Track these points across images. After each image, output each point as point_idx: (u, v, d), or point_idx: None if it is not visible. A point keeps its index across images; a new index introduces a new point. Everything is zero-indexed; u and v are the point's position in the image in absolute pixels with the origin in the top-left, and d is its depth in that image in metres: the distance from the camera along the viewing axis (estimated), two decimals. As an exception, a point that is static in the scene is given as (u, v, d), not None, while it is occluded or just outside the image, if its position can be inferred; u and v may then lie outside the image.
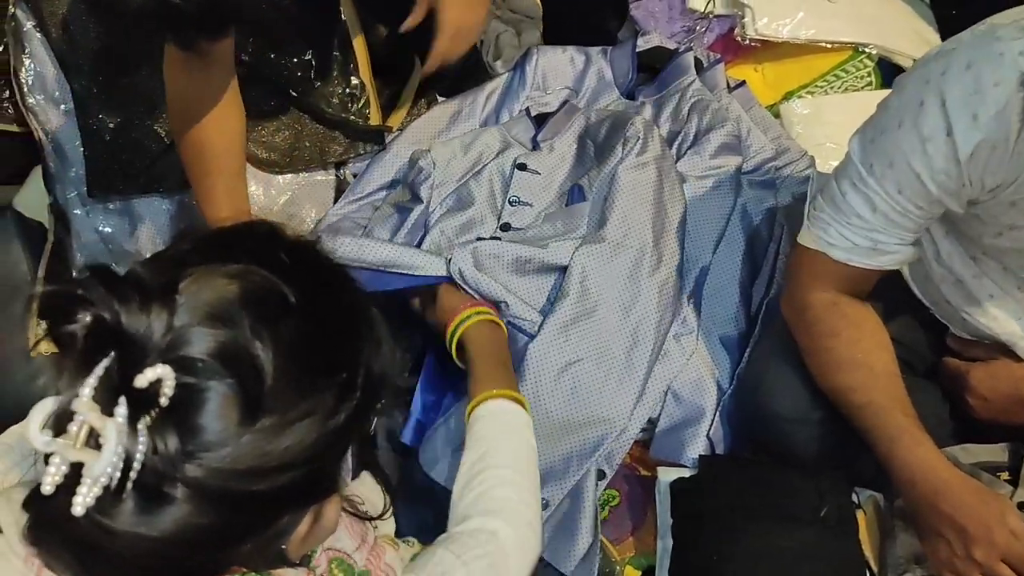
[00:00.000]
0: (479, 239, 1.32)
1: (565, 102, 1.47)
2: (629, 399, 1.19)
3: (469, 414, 0.98)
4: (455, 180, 1.39)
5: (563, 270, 1.25)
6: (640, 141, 1.32)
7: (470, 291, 1.20)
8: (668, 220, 1.30)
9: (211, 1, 0.91)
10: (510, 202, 1.35)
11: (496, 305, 1.20)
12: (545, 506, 1.12)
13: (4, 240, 1.33)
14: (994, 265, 1.06)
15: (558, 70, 1.54)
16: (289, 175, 1.42)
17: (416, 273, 1.20)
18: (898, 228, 0.98)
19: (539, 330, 1.20)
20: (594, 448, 1.16)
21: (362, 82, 1.43)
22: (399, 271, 1.20)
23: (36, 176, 1.47)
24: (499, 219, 1.36)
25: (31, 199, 1.47)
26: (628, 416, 1.18)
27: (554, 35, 1.59)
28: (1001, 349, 1.10)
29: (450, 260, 1.21)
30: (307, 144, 1.43)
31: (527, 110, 1.48)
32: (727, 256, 1.34)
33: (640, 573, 1.15)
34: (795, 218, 1.40)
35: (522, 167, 1.38)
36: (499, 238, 1.32)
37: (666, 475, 1.14)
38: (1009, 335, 1.09)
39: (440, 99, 1.52)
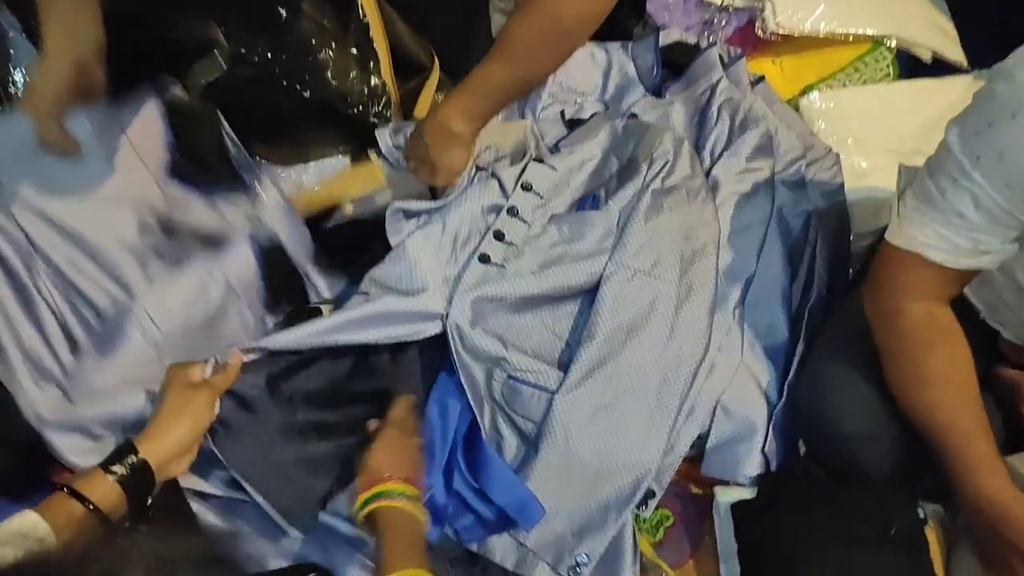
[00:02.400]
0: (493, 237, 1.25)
1: (595, 114, 1.41)
2: (660, 439, 1.15)
3: None
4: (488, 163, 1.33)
5: (571, 299, 1.21)
6: (668, 163, 1.26)
7: (462, 353, 1.17)
8: (699, 245, 1.25)
9: None
10: (521, 186, 1.28)
11: (498, 362, 1.17)
12: (587, 563, 1.10)
13: None
14: None
15: (579, 67, 1.49)
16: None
17: (410, 338, 1.17)
18: (1001, 226, 0.93)
19: (563, 378, 1.15)
20: (631, 494, 1.12)
21: (383, 82, 1.35)
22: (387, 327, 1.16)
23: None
24: (508, 201, 1.27)
25: None
26: (660, 457, 1.14)
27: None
28: (1056, 358, 1.10)
29: (447, 315, 1.16)
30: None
31: (561, 112, 1.42)
32: (768, 264, 1.30)
33: (704, 599, 1.13)
34: (829, 219, 1.40)
35: (539, 160, 1.31)
36: (503, 235, 1.25)
37: (724, 495, 1.11)
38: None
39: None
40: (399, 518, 0.95)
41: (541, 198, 1.28)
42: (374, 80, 1.35)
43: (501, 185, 1.28)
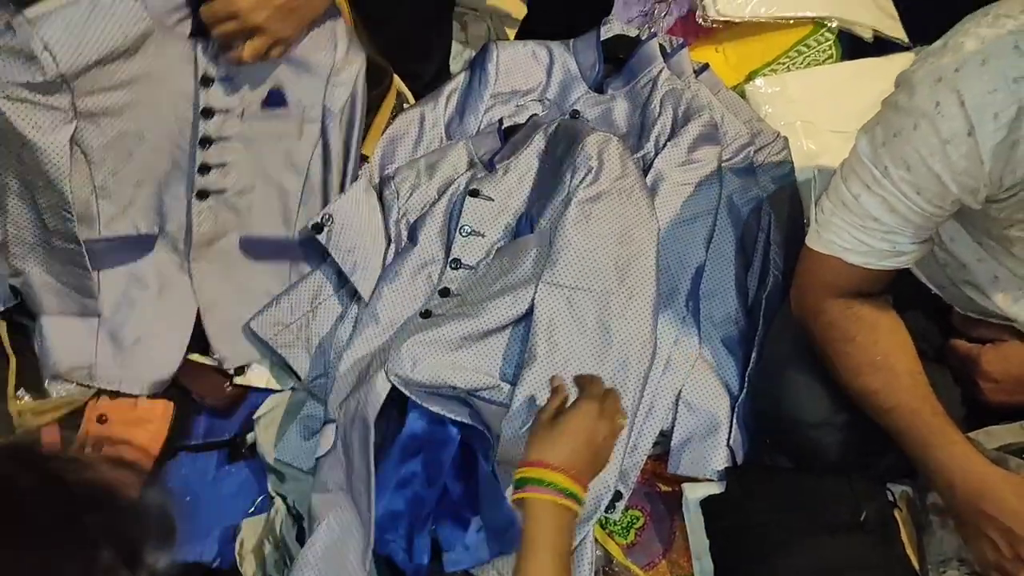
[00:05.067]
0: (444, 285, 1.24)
1: (532, 116, 1.39)
2: (616, 454, 1.11)
3: None
4: (419, 209, 1.31)
5: (513, 324, 1.20)
6: (592, 170, 1.25)
7: (419, 398, 1.14)
8: (636, 248, 1.24)
9: None
10: (460, 232, 1.27)
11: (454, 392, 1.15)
12: None
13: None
14: (1000, 249, 1.04)
15: (521, 66, 1.47)
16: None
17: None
18: (915, 228, 0.96)
19: (510, 400, 1.13)
20: (592, 510, 1.11)
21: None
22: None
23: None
24: (448, 253, 1.27)
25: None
26: (616, 474, 1.12)
27: (536, 34, 1.52)
28: (1009, 329, 1.10)
29: (386, 371, 1.15)
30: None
31: (499, 123, 1.40)
32: (720, 253, 1.29)
33: (680, 598, 1.12)
34: (781, 204, 1.39)
35: (474, 193, 1.30)
36: (448, 291, 1.24)
37: (693, 491, 1.11)
38: (1016, 315, 1.08)
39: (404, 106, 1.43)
40: (546, 515, 0.86)
41: (483, 236, 1.27)
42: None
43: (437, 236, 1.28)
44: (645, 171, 1.33)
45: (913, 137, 0.89)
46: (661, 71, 1.43)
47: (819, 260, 1.02)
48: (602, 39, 1.49)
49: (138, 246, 1.27)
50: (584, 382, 0.98)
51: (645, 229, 1.25)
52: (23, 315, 1.28)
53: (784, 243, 1.34)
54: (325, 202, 1.29)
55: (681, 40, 1.53)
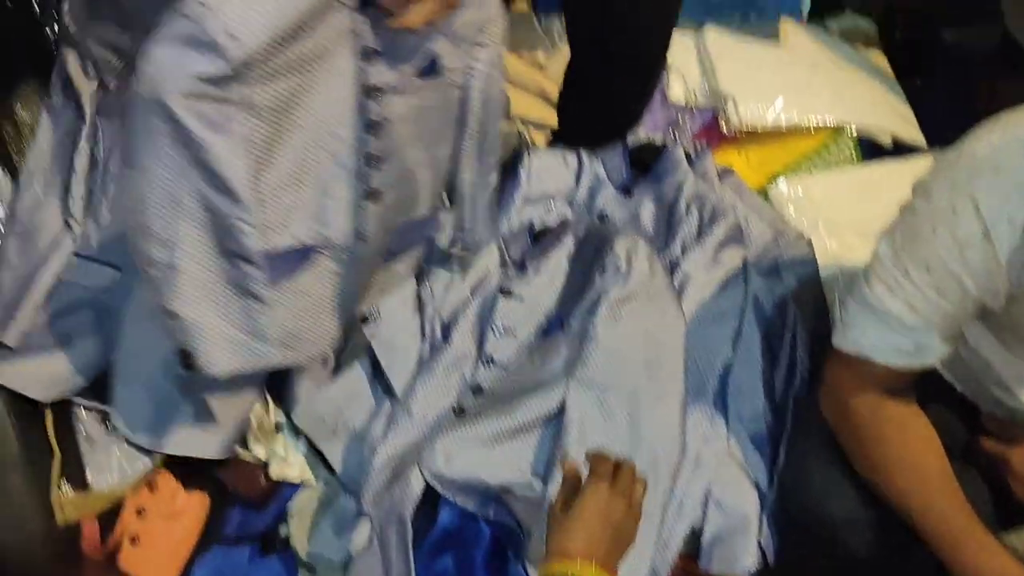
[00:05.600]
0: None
1: (564, 221, 1.44)
2: (646, 548, 1.14)
3: None
4: (452, 307, 1.35)
5: (544, 421, 1.22)
6: (621, 272, 1.29)
7: (451, 495, 1.17)
8: (664, 347, 1.27)
9: None
10: (493, 330, 1.30)
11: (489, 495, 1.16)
12: None
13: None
14: None
15: (551, 171, 1.53)
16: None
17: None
18: (939, 328, 0.98)
19: (542, 497, 1.15)
20: None
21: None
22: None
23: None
24: (481, 351, 1.30)
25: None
26: (647, 571, 1.13)
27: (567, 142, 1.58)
28: (1039, 429, 1.10)
29: (420, 467, 1.17)
30: None
31: (530, 225, 1.45)
32: (747, 351, 1.32)
33: None
34: (807, 304, 1.41)
35: (506, 293, 1.34)
36: (481, 388, 1.26)
37: (724, 592, 1.10)
38: (1044, 415, 1.09)
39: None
40: None
41: (515, 335, 1.31)
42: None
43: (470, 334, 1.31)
44: (672, 272, 1.37)
45: (932, 240, 0.92)
46: (686, 175, 1.48)
47: (846, 359, 1.03)
48: (628, 147, 1.56)
49: (294, 259, 1.11)
50: (593, 462, 0.94)
51: (673, 329, 1.29)
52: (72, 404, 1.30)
53: (810, 341, 1.36)
54: (453, 177, 1.23)
55: (704, 146, 1.59)
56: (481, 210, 1.31)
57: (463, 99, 1.15)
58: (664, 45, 1.47)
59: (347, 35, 1.00)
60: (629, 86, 1.51)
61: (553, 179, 1.52)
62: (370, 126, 1.06)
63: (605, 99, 1.50)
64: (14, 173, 1.32)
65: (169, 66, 0.89)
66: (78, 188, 1.28)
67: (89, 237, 1.27)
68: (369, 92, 1.04)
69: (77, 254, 1.27)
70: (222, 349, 1.06)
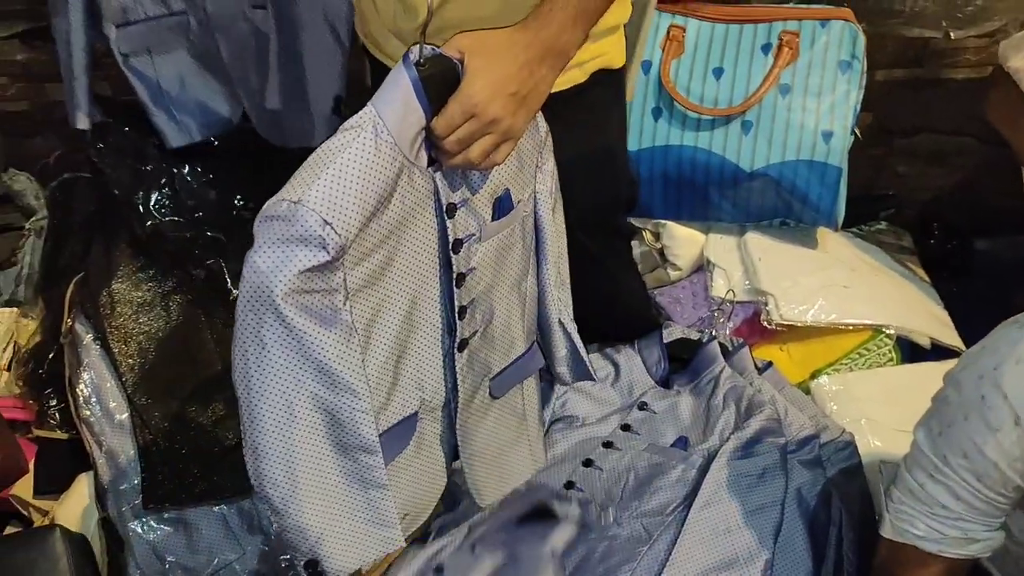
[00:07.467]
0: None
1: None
2: None
3: None
4: None
5: None
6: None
7: None
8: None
9: None
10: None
11: None
12: None
13: (51, 558, 1.29)
14: None
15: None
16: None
17: None
18: (983, 515, 0.99)
19: None
20: None
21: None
22: None
23: (79, 488, 1.46)
24: None
25: (73, 512, 1.45)
26: None
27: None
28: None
29: None
30: None
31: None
32: (790, 546, 1.31)
33: None
34: (852, 501, 1.40)
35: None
36: None
37: None
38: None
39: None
40: None
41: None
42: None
43: None
44: (709, 463, 1.39)
45: (966, 427, 0.96)
46: (723, 369, 1.53)
47: (895, 549, 1.04)
48: (665, 341, 1.62)
49: (399, 433, 1.07)
50: None
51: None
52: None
53: (857, 541, 1.34)
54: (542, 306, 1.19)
55: (741, 340, 1.65)
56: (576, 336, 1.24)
57: (537, 226, 1.13)
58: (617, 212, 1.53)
59: (429, 194, 0.98)
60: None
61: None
62: (456, 280, 1.04)
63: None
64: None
65: (273, 268, 0.86)
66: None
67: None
68: (454, 247, 1.02)
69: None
70: (350, 548, 1.01)
